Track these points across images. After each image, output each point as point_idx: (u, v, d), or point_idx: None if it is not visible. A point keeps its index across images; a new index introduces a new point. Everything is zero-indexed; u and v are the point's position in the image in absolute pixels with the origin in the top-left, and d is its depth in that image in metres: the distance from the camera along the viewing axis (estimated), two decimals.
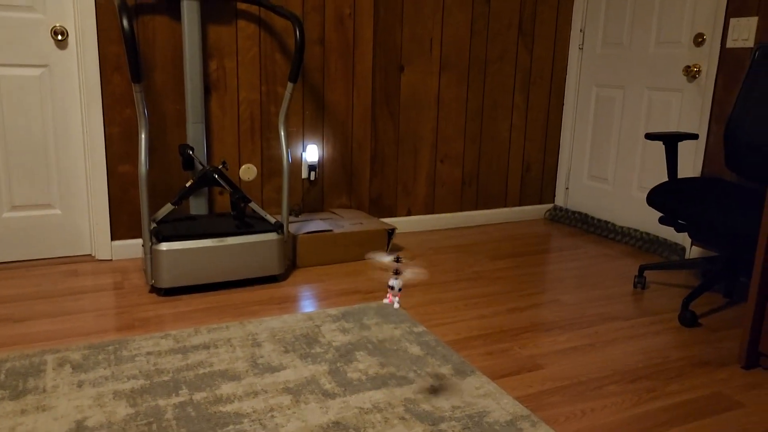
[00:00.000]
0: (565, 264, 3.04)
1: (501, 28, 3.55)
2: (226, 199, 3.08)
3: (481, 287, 2.69)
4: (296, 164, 3.21)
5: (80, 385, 1.78)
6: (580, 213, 3.77)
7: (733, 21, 2.82)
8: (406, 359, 1.99)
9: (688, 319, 2.34)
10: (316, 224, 3.00)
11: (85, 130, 2.78)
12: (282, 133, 2.73)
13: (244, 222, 2.66)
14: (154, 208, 2.93)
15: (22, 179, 2.76)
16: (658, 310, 2.49)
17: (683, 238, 3.14)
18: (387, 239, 3.05)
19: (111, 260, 2.90)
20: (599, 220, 3.62)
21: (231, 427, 1.60)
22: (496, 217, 3.81)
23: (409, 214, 3.55)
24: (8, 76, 2.65)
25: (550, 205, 3.97)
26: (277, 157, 3.15)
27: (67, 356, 1.95)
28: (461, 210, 3.70)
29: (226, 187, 2.60)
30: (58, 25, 2.68)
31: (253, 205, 2.70)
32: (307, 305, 2.43)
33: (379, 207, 3.46)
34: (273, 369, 1.91)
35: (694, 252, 3.08)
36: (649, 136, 2.58)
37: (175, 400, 1.72)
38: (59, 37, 2.68)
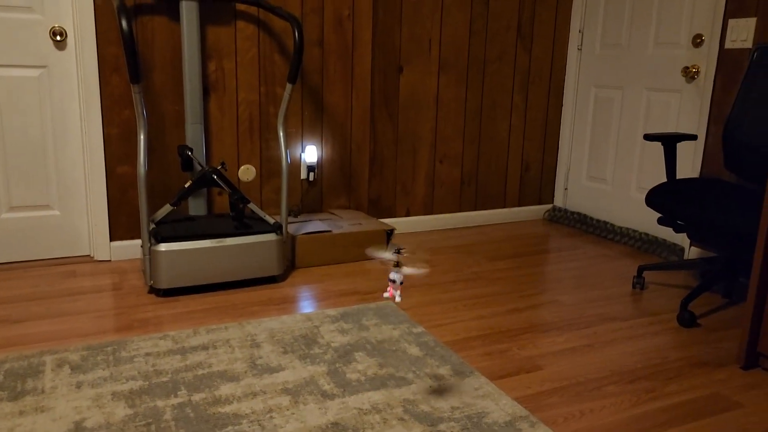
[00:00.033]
0: (563, 264, 3.04)
1: (500, 29, 3.55)
2: (225, 200, 3.08)
3: (480, 288, 2.69)
4: (295, 165, 3.21)
5: (79, 386, 1.78)
6: (578, 213, 3.77)
7: (731, 22, 2.82)
8: (405, 360, 1.99)
9: (687, 319, 2.34)
10: (315, 225, 3.00)
11: (84, 130, 2.78)
12: (281, 134, 2.73)
13: (243, 223, 2.66)
14: (152, 208, 2.93)
15: (20, 180, 2.75)
16: (657, 311, 2.49)
17: (682, 239, 3.15)
18: (386, 240, 3.05)
19: (110, 261, 2.90)
20: (598, 221, 3.63)
21: (230, 428, 1.60)
22: (495, 218, 3.81)
23: (408, 214, 3.55)
24: (7, 76, 2.65)
25: (549, 206, 3.97)
26: (276, 157, 3.15)
27: (66, 357, 1.95)
28: (460, 210, 3.70)
29: (225, 187, 2.60)
30: (56, 25, 2.68)
31: (252, 205, 2.70)
32: (306, 306, 2.43)
33: (378, 207, 3.46)
34: (272, 370, 1.91)
35: (692, 252, 3.09)
36: (648, 137, 2.58)
37: (173, 401, 1.72)
38: (58, 38, 2.68)
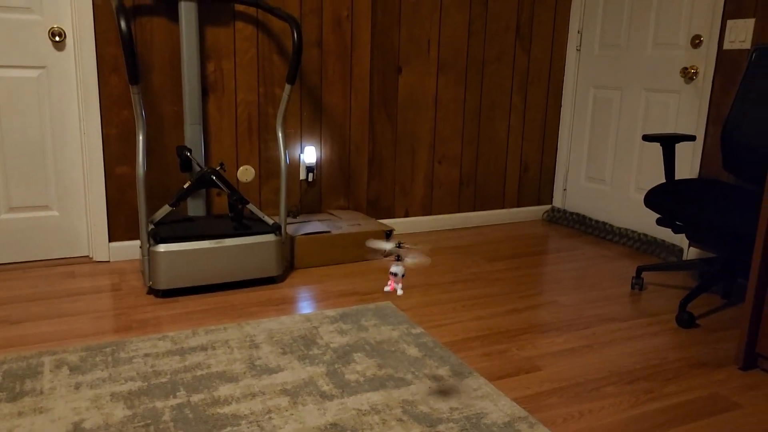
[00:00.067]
0: (562, 265, 3.04)
1: (498, 30, 3.55)
2: (223, 201, 3.07)
3: (478, 288, 2.69)
4: (294, 166, 3.21)
5: (77, 387, 1.78)
6: (577, 214, 3.77)
7: (730, 23, 2.83)
8: (404, 361, 1.99)
9: (686, 320, 2.34)
10: (314, 225, 3.00)
11: (83, 131, 2.78)
12: (280, 135, 2.73)
13: (242, 223, 2.66)
14: (151, 209, 2.92)
15: (19, 181, 2.75)
16: (656, 312, 2.49)
17: (681, 240, 3.15)
18: (385, 240, 3.05)
19: (108, 262, 2.90)
20: (597, 222, 3.63)
21: (228, 428, 1.60)
22: (494, 219, 3.81)
23: (406, 215, 3.55)
24: (6, 77, 2.64)
25: (548, 207, 3.97)
26: (275, 158, 3.15)
27: (65, 358, 1.95)
28: (459, 211, 3.70)
29: (224, 188, 2.60)
30: (55, 26, 2.67)
31: (251, 206, 2.70)
32: (305, 306, 2.43)
33: (377, 208, 3.46)
34: (271, 370, 1.90)
35: (691, 253, 3.09)
36: (647, 138, 2.58)
37: (172, 401, 1.72)
38: (57, 39, 2.68)
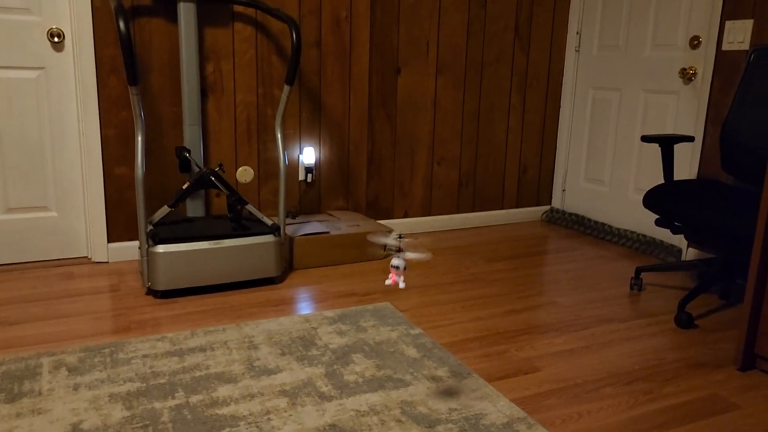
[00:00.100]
0: (561, 266, 3.04)
1: (497, 31, 3.55)
2: (222, 202, 3.07)
3: (477, 289, 2.69)
4: (293, 166, 3.21)
5: (76, 388, 1.78)
6: (576, 215, 3.77)
7: (728, 24, 2.83)
8: (402, 362, 1.99)
9: (685, 320, 2.34)
10: (313, 226, 3.00)
11: (82, 132, 2.78)
12: (279, 136, 2.73)
13: (241, 224, 2.66)
14: (150, 210, 2.92)
15: (17, 181, 2.75)
16: (655, 312, 2.49)
17: (679, 240, 3.15)
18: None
19: (107, 262, 2.90)
20: (596, 222, 3.63)
21: (227, 429, 1.60)
22: (493, 219, 3.81)
23: (405, 216, 3.55)
24: (4, 78, 2.64)
25: (547, 207, 3.98)
26: (274, 159, 3.15)
27: (63, 359, 1.94)
28: (458, 212, 3.70)
29: (223, 189, 2.60)
30: (54, 27, 2.67)
31: (249, 207, 2.70)
32: (304, 307, 2.43)
33: (376, 209, 3.46)
34: (269, 371, 1.90)
35: (690, 254, 3.09)
36: (646, 139, 2.58)
37: (171, 402, 1.72)
38: (56, 40, 2.68)
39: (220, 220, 2.76)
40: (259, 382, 1.84)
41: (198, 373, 1.88)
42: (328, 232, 2.92)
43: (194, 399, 1.74)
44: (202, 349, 2.04)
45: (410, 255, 1.62)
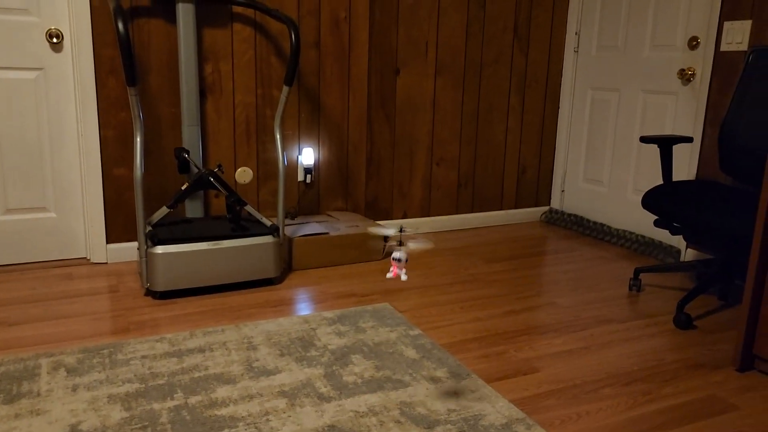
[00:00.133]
0: (560, 266, 3.05)
1: (496, 31, 3.56)
2: (221, 202, 3.07)
3: (476, 290, 2.69)
4: (292, 167, 3.21)
5: (75, 389, 1.78)
6: (575, 215, 3.77)
7: (727, 24, 2.83)
8: (401, 362, 1.99)
9: (683, 321, 2.34)
10: (312, 227, 3.00)
11: (80, 133, 2.78)
12: (278, 136, 2.73)
13: (240, 225, 2.66)
14: (149, 211, 2.92)
15: (16, 182, 2.75)
16: (653, 313, 2.49)
17: (678, 241, 3.15)
18: (383, 242, 3.05)
19: (106, 263, 2.89)
20: (595, 223, 3.63)
21: (226, 430, 1.60)
22: (492, 220, 3.81)
23: (405, 216, 3.55)
24: (3, 79, 2.64)
25: (546, 208, 3.98)
26: (273, 160, 3.15)
27: (62, 360, 1.94)
28: (457, 213, 3.70)
29: (222, 190, 2.60)
30: (53, 28, 2.67)
31: (248, 208, 2.70)
32: (303, 308, 2.43)
33: (375, 210, 3.46)
34: (268, 372, 1.90)
35: (689, 254, 3.09)
36: (644, 140, 2.58)
37: (170, 403, 1.72)
38: (54, 40, 2.68)
39: (219, 220, 2.76)
40: (258, 383, 1.84)
41: (197, 374, 1.88)
42: (327, 233, 2.92)
43: (193, 400, 1.74)
44: (201, 350, 2.04)
45: (413, 245, 1.60)
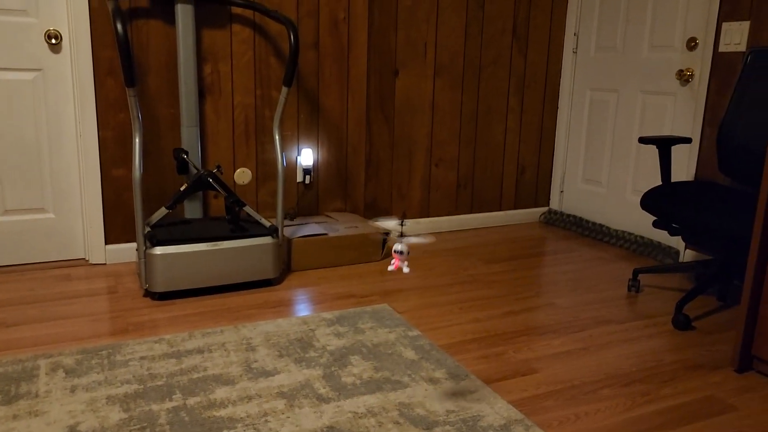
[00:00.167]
0: (559, 267, 3.05)
1: (495, 33, 3.56)
2: (220, 203, 3.07)
3: (475, 291, 2.69)
4: (291, 168, 3.21)
5: (73, 390, 1.78)
6: (574, 216, 3.77)
7: (725, 25, 2.83)
8: (400, 363, 1.99)
9: (682, 322, 2.34)
10: (311, 228, 3.00)
11: (79, 133, 2.78)
12: (277, 137, 2.73)
13: (239, 226, 2.66)
14: (148, 212, 2.92)
15: (15, 183, 2.75)
16: (652, 314, 2.49)
17: (677, 242, 3.16)
18: (381, 243, 3.05)
19: (105, 264, 2.89)
20: (594, 224, 3.63)
21: (225, 431, 1.60)
22: (491, 221, 3.81)
23: (404, 218, 3.55)
24: (1, 79, 2.64)
25: (545, 209, 3.98)
26: (272, 160, 3.15)
27: (60, 361, 1.94)
28: (456, 213, 3.70)
29: (221, 190, 2.60)
30: (51, 29, 2.67)
31: (247, 208, 2.70)
32: (302, 309, 2.43)
33: (374, 211, 3.46)
34: (267, 373, 1.90)
35: (687, 255, 3.09)
36: (643, 141, 2.59)
37: (168, 404, 1.71)
38: (53, 41, 2.68)
39: (217, 221, 2.76)
40: (257, 384, 1.84)
41: (195, 375, 1.88)
42: (326, 234, 2.92)
43: (192, 401, 1.74)
44: (200, 351, 2.04)
45: (413, 239, 1.59)
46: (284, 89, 2.68)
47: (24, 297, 2.48)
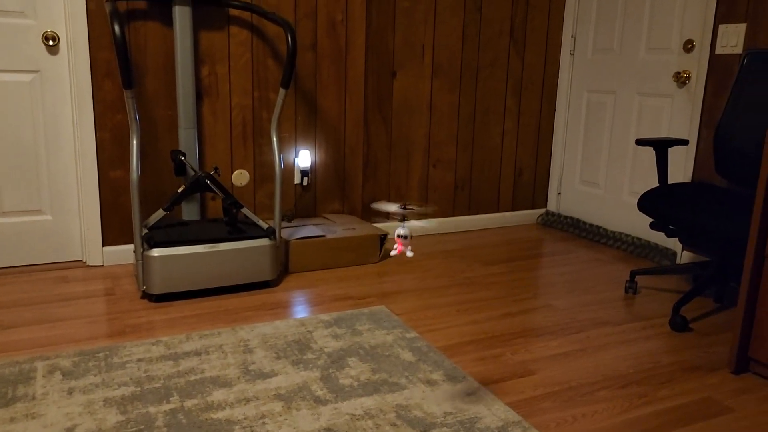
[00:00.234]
0: (557, 269, 3.05)
1: (492, 35, 3.56)
2: (218, 205, 3.07)
3: (473, 292, 2.69)
4: (289, 170, 3.21)
5: (70, 392, 1.77)
6: (571, 218, 3.78)
7: (721, 28, 2.84)
8: (398, 365, 1.99)
9: (679, 324, 2.35)
10: (309, 230, 3.00)
11: (76, 135, 2.77)
12: (274, 139, 2.73)
13: (237, 228, 2.66)
14: (145, 213, 2.92)
15: (12, 185, 2.74)
16: (649, 315, 2.50)
17: (674, 243, 3.16)
18: (379, 245, 3.05)
19: (102, 266, 2.89)
20: (591, 225, 3.64)
21: None
22: (489, 222, 3.81)
23: (403, 219, 3.55)
24: None
25: (542, 210, 3.98)
26: (270, 162, 3.15)
27: (57, 363, 1.94)
28: (453, 215, 3.70)
29: (218, 192, 2.60)
30: (49, 30, 2.67)
31: (245, 210, 2.70)
32: (300, 311, 2.43)
33: (372, 212, 3.46)
34: (265, 375, 1.90)
35: (685, 257, 3.10)
36: (640, 142, 2.59)
37: (165, 407, 1.71)
38: (50, 43, 2.68)
39: (215, 223, 2.76)
40: (254, 386, 1.84)
41: (193, 377, 1.87)
42: (323, 236, 2.93)
43: (189, 403, 1.73)
44: (197, 353, 2.03)
45: (416, 223, 1.58)
46: (282, 91, 2.68)
47: (21, 299, 2.47)
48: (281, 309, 2.45)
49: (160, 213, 2.59)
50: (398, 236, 1.57)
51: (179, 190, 2.58)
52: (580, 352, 2.15)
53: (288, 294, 2.61)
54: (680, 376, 2.00)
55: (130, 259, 2.94)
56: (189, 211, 2.83)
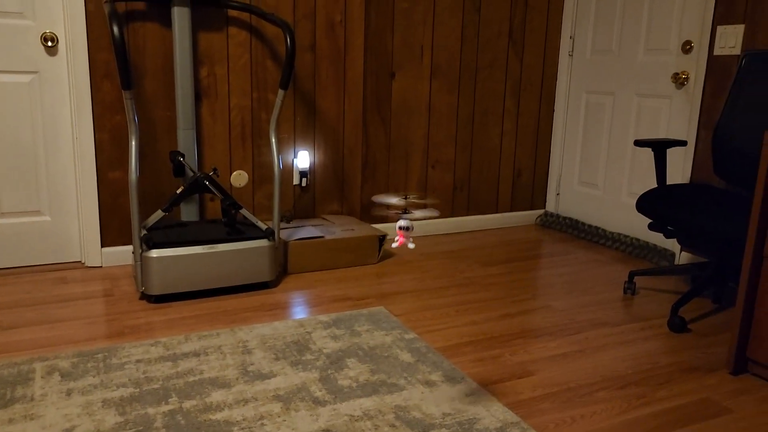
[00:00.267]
0: (555, 270, 3.05)
1: (491, 36, 3.57)
2: (217, 206, 3.07)
3: (472, 293, 2.69)
4: (287, 171, 3.21)
5: (69, 393, 1.77)
6: (570, 219, 3.78)
7: (720, 29, 2.85)
8: (396, 366, 1.99)
9: (678, 324, 2.35)
10: (308, 231, 3.00)
11: (75, 136, 2.77)
12: (273, 140, 2.73)
13: (235, 228, 2.66)
14: (144, 214, 2.92)
15: (11, 185, 2.74)
16: (648, 316, 2.50)
17: (673, 244, 3.16)
18: (378, 245, 3.06)
19: (101, 267, 2.89)
20: (590, 226, 3.64)
21: None
22: (488, 223, 3.82)
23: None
24: None
25: (541, 211, 3.99)
26: (268, 163, 3.15)
27: (56, 364, 1.94)
28: (452, 216, 3.71)
29: (217, 193, 2.60)
30: (48, 31, 2.67)
31: (244, 211, 2.70)
32: (298, 312, 2.43)
33: (371, 213, 3.46)
34: (263, 376, 1.90)
35: (683, 258, 3.10)
36: (638, 143, 2.59)
37: (164, 408, 1.71)
38: (49, 44, 2.67)
39: (214, 224, 2.76)
40: (253, 387, 1.84)
41: (191, 378, 1.87)
42: (322, 237, 2.93)
43: (188, 404, 1.73)
44: (196, 354, 2.03)
45: (418, 213, 1.57)
46: (281, 92, 2.68)
47: (20, 300, 2.47)
48: (280, 310, 2.45)
49: (158, 214, 2.59)
50: (399, 228, 1.55)
51: (178, 191, 2.58)
52: (579, 353, 2.15)
53: (287, 295, 2.61)
54: (679, 376, 2.01)
55: (129, 260, 2.94)
56: (188, 212, 2.83)
